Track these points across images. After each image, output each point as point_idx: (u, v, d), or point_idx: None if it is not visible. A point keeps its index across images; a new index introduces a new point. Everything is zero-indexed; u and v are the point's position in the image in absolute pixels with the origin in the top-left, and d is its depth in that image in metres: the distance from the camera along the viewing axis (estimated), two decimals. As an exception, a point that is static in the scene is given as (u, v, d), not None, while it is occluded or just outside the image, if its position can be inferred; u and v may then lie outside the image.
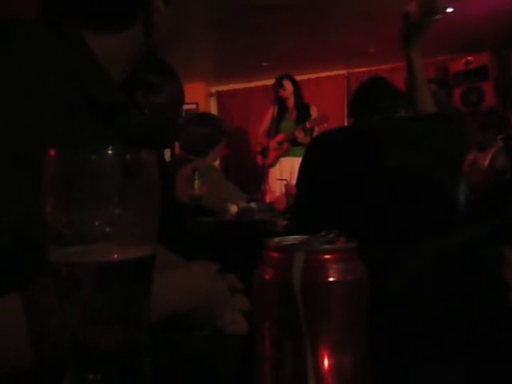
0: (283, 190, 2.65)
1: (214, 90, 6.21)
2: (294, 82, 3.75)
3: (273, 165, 3.75)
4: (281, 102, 3.76)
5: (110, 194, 0.31)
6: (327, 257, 0.32)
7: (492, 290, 0.62)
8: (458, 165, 1.14)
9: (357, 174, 1.16)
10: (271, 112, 3.82)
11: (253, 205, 2.11)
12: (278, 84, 3.69)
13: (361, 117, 1.41)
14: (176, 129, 1.51)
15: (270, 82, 4.00)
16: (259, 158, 3.89)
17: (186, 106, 1.68)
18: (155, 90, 1.32)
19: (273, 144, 3.71)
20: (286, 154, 3.71)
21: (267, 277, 0.33)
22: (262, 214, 2.06)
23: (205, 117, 2.68)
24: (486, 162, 3.32)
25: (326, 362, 0.31)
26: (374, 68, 5.33)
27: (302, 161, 1.33)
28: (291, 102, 3.75)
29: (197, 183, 2.16)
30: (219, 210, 2.07)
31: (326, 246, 0.33)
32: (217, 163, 2.57)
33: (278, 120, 3.71)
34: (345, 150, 1.21)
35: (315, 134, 3.66)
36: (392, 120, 1.23)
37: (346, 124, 5.21)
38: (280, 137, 3.70)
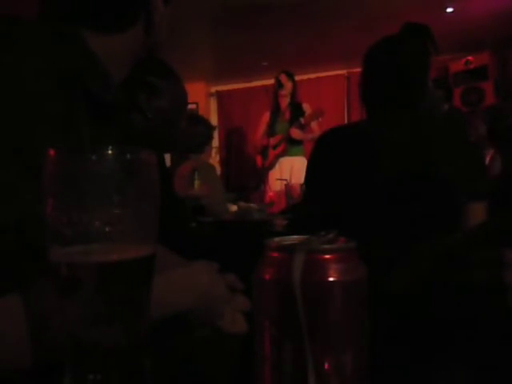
0: (283, 190, 2.65)
1: (213, 89, 6.21)
2: (293, 79, 3.75)
3: (272, 166, 3.75)
4: (276, 104, 3.76)
5: (110, 193, 0.31)
6: (327, 257, 0.32)
7: (492, 291, 0.62)
8: (463, 166, 1.13)
9: (360, 173, 1.16)
10: (266, 116, 3.82)
11: (243, 204, 2.13)
12: (279, 84, 3.68)
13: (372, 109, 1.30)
14: (177, 132, 1.51)
15: (270, 81, 4.00)
16: (259, 159, 3.89)
17: (185, 107, 1.67)
18: (158, 94, 1.32)
19: (272, 144, 3.71)
20: (284, 153, 3.71)
21: (267, 277, 0.33)
22: (262, 214, 2.06)
23: (194, 116, 2.83)
24: (486, 162, 3.32)
25: (325, 362, 0.31)
26: (374, 68, 5.31)
27: (311, 157, 1.32)
28: (286, 101, 3.74)
29: (197, 183, 2.17)
30: (217, 210, 2.08)
31: (326, 246, 0.33)
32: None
33: (272, 123, 3.71)
34: (350, 149, 1.20)
35: (313, 128, 3.66)
36: (398, 118, 1.21)
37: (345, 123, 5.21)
38: (276, 138, 3.70)
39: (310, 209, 1.27)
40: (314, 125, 3.67)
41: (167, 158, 2.78)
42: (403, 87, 1.18)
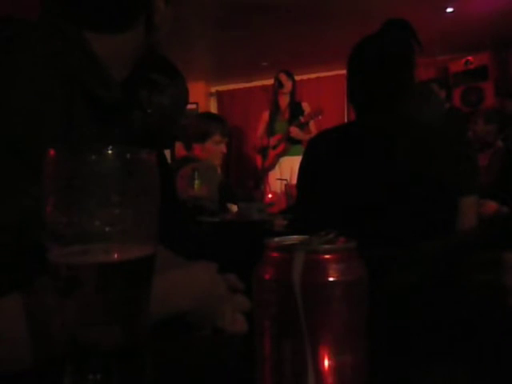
0: (283, 190, 2.65)
1: (214, 89, 6.21)
2: (292, 78, 3.74)
3: (273, 167, 3.75)
4: (275, 102, 3.75)
5: (110, 193, 0.31)
6: (327, 257, 0.32)
7: (491, 292, 0.62)
8: (463, 166, 1.13)
9: (354, 173, 1.16)
10: (265, 115, 3.82)
11: (243, 204, 2.14)
12: (278, 83, 3.68)
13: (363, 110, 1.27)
14: (177, 129, 1.51)
15: (270, 81, 4.00)
16: (259, 159, 3.89)
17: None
18: (160, 90, 1.32)
19: (271, 144, 3.71)
20: (285, 153, 3.71)
21: (267, 277, 0.33)
22: (262, 214, 2.06)
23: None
24: (485, 162, 3.32)
25: (326, 362, 0.31)
26: (374, 68, 5.31)
27: (301, 160, 1.32)
28: (285, 101, 3.74)
29: (197, 183, 2.17)
30: (217, 209, 2.08)
31: (326, 246, 0.33)
32: (218, 162, 2.61)
33: (271, 122, 3.71)
34: (341, 150, 1.20)
35: (311, 127, 3.66)
36: (384, 117, 1.20)
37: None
38: (276, 137, 3.70)
39: (306, 211, 1.27)
40: (312, 125, 3.67)
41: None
42: (387, 86, 1.17)
